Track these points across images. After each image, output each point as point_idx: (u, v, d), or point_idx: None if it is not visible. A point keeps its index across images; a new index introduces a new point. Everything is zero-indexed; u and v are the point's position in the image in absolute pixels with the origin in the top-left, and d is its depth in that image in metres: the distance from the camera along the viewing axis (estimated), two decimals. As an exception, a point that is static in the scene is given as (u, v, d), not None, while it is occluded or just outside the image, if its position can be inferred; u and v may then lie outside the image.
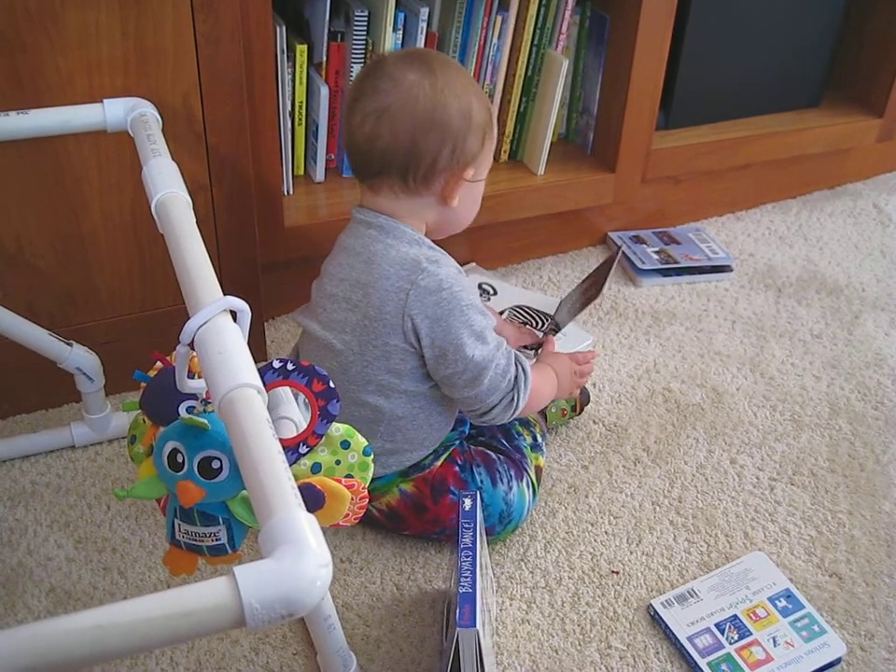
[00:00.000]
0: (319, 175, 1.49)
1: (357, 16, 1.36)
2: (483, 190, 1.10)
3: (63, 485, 1.20)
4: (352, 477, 0.76)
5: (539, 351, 1.29)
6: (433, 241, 1.07)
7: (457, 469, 1.11)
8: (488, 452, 1.14)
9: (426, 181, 1.02)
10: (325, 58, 1.40)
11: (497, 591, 1.10)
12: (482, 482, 1.11)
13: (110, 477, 1.22)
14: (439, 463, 1.11)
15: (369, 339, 1.03)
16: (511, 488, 1.12)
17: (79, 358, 1.16)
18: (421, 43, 1.40)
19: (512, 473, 1.13)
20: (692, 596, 1.08)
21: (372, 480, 1.08)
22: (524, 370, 1.06)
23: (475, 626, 0.84)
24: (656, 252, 1.69)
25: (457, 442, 1.14)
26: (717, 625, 1.05)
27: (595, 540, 1.16)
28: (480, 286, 1.58)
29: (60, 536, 1.13)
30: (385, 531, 1.15)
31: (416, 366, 1.05)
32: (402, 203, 1.04)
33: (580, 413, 1.33)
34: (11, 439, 1.24)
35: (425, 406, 1.08)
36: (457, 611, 0.85)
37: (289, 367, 0.72)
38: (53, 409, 1.31)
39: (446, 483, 1.10)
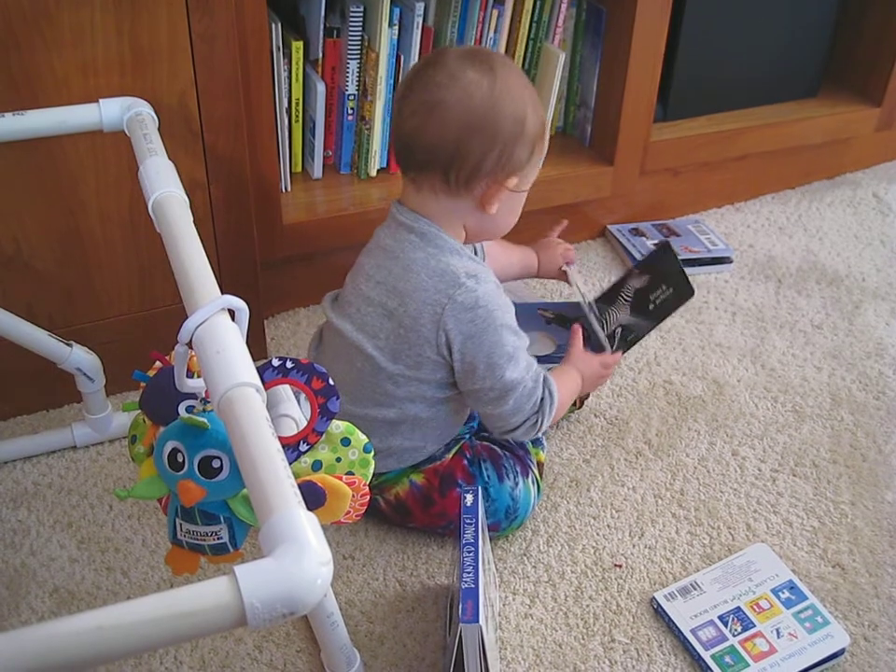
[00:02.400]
0: (317, 171, 1.49)
1: (353, 12, 1.36)
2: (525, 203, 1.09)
3: (66, 486, 1.20)
4: (353, 474, 0.76)
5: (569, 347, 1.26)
6: (474, 242, 1.08)
7: (466, 462, 1.11)
8: (494, 447, 1.14)
9: (468, 183, 1.00)
10: (321, 54, 1.40)
11: (499, 586, 1.10)
12: (488, 477, 1.11)
13: (112, 477, 1.22)
14: (450, 456, 1.12)
15: (402, 348, 1.03)
16: (517, 484, 1.12)
17: (79, 359, 1.16)
18: (417, 38, 1.40)
19: (518, 469, 1.13)
20: (695, 589, 1.08)
21: (383, 472, 1.09)
22: (550, 393, 1.06)
23: (478, 622, 0.84)
24: (655, 244, 1.68)
25: (467, 436, 1.15)
26: (720, 618, 1.05)
27: (597, 534, 1.16)
28: None
29: (62, 536, 1.14)
30: (388, 526, 1.15)
31: (445, 376, 1.05)
32: (442, 203, 1.02)
33: (580, 407, 1.33)
34: (13, 440, 1.24)
35: (445, 409, 1.09)
36: (460, 607, 0.85)
37: (288, 365, 0.72)
38: (54, 410, 1.31)
39: (455, 476, 1.10)
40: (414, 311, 1.01)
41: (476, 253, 1.14)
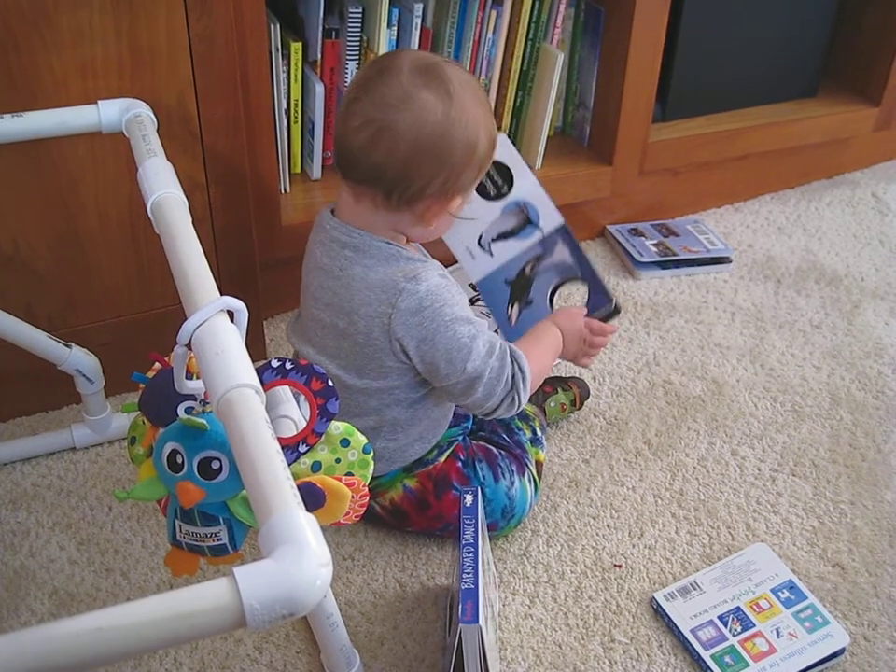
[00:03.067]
0: (316, 172, 1.49)
1: (352, 13, 1.36)
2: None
3: (65, 487, 1.20)
4: (352, 475, 0.77)
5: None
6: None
7: (460, 464, 1.11)
8: (490, 447, 1.14)
9: (410, 203, 0.97)
10: (320, 55, 1.40)
11: (499, 586, 1.10)
12: (484, 477, 1.11)
13: (111, 478, 1.22)
14: (442, 459, 1.11)
15: (363, 363, 1.03)
16: (513, 483, 1.12)
17: (79, 360, 1.16)
18: (416, 39, 1.40)
19: (514, 468, 1.13)
20: (694, 589, 1.08)
21: (376, 476, 1.08)
22: (521, 368, 1.04)
23: (478, 622, 0.84)
24: (655, 244, 1.69)
25: (460, 438, 1.14)
26: (720, 617, 1.05)
27: (597, 534, 1.16)
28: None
29: (62, 538, 1.14)
30: (387, 528, 1.15)
31: (413, 378, 1.05)
32: (380, 215, 1.00)
33: (580, 408, 1.33)
34: (12, 441, 1.24)
35: (424, 406, 1.08)
36: (460, 607, 0.85)
37: (288, 366, 0.72)
38: (53, 411, 1.31)
39: (449, 479, 1.10)
40: (364, 327, 1.00)
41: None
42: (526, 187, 1.22)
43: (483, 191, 1.23)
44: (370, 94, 0.94)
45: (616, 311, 1.20)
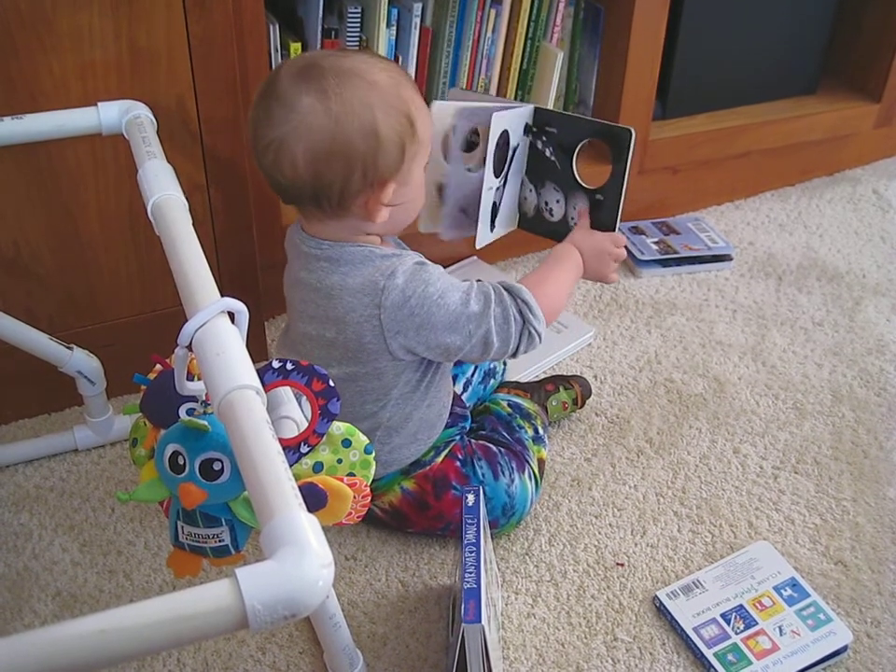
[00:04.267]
0: (316, 172, 1.49)
1: (351, 13, 1.36)
2: (423, 181, 1.02)
3: (67, 489, 1.20)
4: (354, 475, 0.77)
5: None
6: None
7: (458, 464, 1.11)
8: (489, 445, 1.14)
9: (342, 207, 0.95)
10: (319, 55, 1.40)
11: (501, 585, 1.10)
12: (483, 475, 1.11)
13: (114, 480, 1.22)
14: (440, 459, 1.11)
15: (357, 368, 1.02)
16: (512, 481, 1.12)
17: (80, 362, 1.16)
18: (415, 39, 1.40)
19: (514, 466, 1.13)
20: (697, 587, 1.08)
21: (374, 480, 1.08)
22: (523, 300, 1.01)
23: (480, 622, 0.84)
24: (655, 242, 1.68)
25: (458, 438, 1.14)
26: (723, 615, 1.05)
27: (599, 533, 1.16)
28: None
29: (65, 539, 1.14)
30: (389, 528, 1.15)
31: (409, 376, 1.04)
32: (332, 226, 0.99)
33: (581, 407, 1.33)
34: (14, 444, 1.24)
35: (417, 403, 1.07)
36: (462, 607, 0.85)
37: (289, 367, 0.72)
38: (55, 413, 1.31)
39: (448, 479, 1.10)
40: (353, 333, 0.99)
41: None
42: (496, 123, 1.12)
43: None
44: (262, 119, 0.93)
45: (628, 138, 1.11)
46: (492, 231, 1.20)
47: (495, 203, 1.18)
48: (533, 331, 1.02)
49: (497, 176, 1.15)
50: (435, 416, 1.11)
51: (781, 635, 1.03)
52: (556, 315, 1.10)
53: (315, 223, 1.00)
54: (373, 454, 0.78)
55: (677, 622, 1.04)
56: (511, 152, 1.16)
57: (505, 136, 1.13)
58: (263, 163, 0.95)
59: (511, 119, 1.13)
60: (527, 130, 1.17)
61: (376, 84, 0.93)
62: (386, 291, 0.97)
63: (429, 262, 1.01)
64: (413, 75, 1.44)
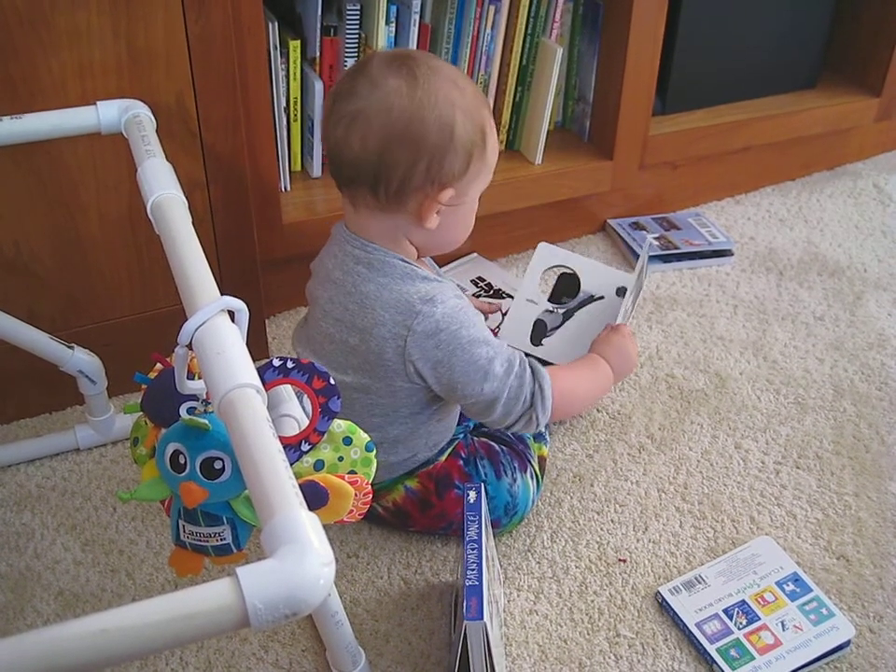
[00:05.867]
0: (316, 170, 1.49)
1: (350, 10, 1.36)
2: (476, 211, 1.04)
3: (69, 488, 1.20)
4: (355, 473, 0.77)
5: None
6: (426, 256, 1.05)
7: (461, 463, 1.11)
8: (491, 443, 1.14)
9: (398, 198, 0.95)
10: (318, 53, 1.40)
11: (504, 582, 1.10)
12: (485, 474, 1.11)
13: (115, 479, 1.22)
14: (443, 458, 1.11)
15: (371, 382, 1.01)
16: (515, 480, 1.12)
17: (81, 361, 1.16)
18: (414, 35, 1.40)
19: (516, 465, 1.13)
20: (699, 583, 1.08)
21: (376, 482, 1.08)
22: (541, 387, 1.01)
23: (482, 619, 0.84)
24: (656, 238, 1.68)
25: (461, 436, 1.14)
26: (725, 611, 1.05)
27: (601, 529, 1.16)
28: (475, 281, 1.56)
29: (67, 539, 1.14)
30: (391, 526, 1.15)
31: (422, 397, 1.04)
32: (379, 221, 0.98)
33: (584, 404, 1.33)
34: (16, 443, 1.25)
35: (426, 424, 1.07)
36: (464, 604, 0.85)
37: (289, 365, 0.72)
38: (57, 412, 1.31)
39: (451, 478, 1.10)
40: (376, 346, 0.98)
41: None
42: (592, 282, 1.30)
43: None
44: (343, 94, 0.94)
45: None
46: (533, 344, 1.29)
47: (542, 321, 1.30)
48: (535, 418, 1.03)
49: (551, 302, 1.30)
50: (444, 429, 1.11)
51: (784, 630, 1.03)
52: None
53: (362, 215, 0.98)
54: (374, 451, 0.78)
55: (679, 617, 1.04)
56: (586, 296, 1.30)
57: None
58: (333, 136, 0.95)
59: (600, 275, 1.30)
60: (620, 292, 1.29)
61: (463, 90, 0.94)
62: (420, 316, 0.96)
63: (466, 301, 1.01)
64: (412, 72, 1.44)
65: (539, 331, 1.28)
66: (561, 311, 1.28)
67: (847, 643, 1.03)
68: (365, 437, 0.77)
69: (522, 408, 1.01)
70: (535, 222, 1.66)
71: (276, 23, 1.32)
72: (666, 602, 1.06)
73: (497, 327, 1.30)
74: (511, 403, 1.01)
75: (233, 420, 0.57)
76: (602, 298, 1.29)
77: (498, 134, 1.58)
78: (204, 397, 0.73)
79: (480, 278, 1.59)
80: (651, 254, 1.64)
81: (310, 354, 1.07)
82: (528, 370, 1.02)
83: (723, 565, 1.10)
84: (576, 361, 1.15)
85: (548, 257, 1.32)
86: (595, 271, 1.31)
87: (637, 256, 1.64)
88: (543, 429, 1.21)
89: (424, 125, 0.91)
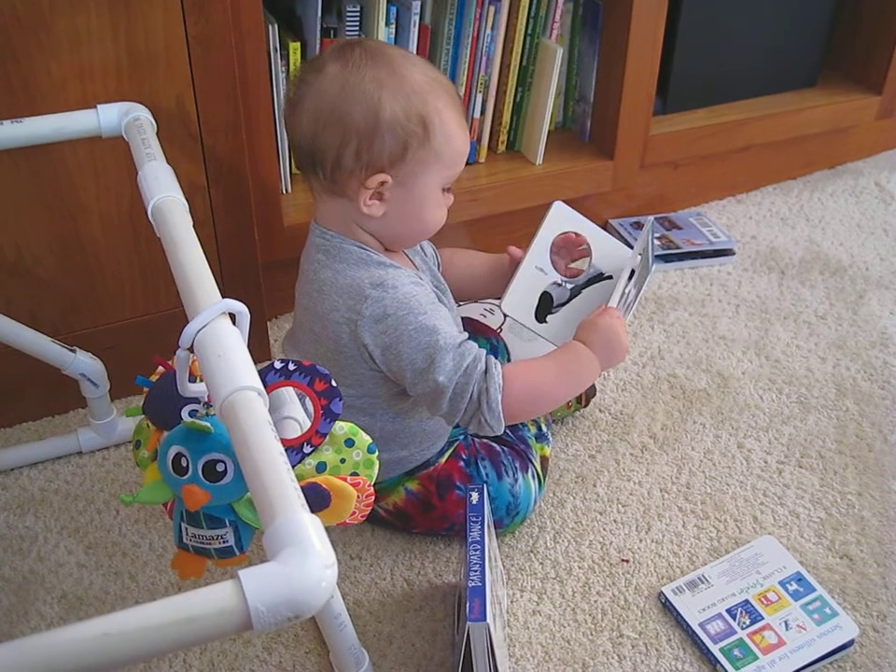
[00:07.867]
0: (317, 172, 1.49)
1: (350, 11, 1.36)
2: (437, 202, 1.00)
3: (72, 491, 1.20)
4: (357, 475, 0.76)
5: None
6: (398, 248, 1.04)
7: (462, 464, 1.11)
8: (492, 444, 1.14)
9: (334, 181, 0.96)
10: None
11: (506, 583, 1.10)
12: (487, 475, 1.10)
13: (118, 482, 1.22)
14: (443, 460, 1.11)
15: (339, 370, 1.01)
16: (516, 480, 1.12)
17: (83, 364, 1.16)
18: (414, 37, 1.39)
19: (517, 465, 1.13)
20: (702, 583, 1.08)
21: (376, 482, 1.08)
22: (487, 389, 0.96)
23: (485, 620, 0.84)
24: (657, 238, 1.68)
25: (462, 437, 1.14)
26: (728, 611, 1.05)
27: (604, 529, 1.16)
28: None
29: (70, 542, 1.14)
30: (393, 528, 1.15)
31: (391, 388, 1.03)
32: (330, 207, 0.99)
33: (586, 406, 1.32)
34: (18, 447, 1.25)
35: (414, 418, 1.07)
36: (467, 605, 0.85)
37: (290, 367, 0.72)
38: (59, 415, 1.31)
39: (452, 479, 1.10)
40: (333, 332, 0.99)
41: (432, 256, 1.13)
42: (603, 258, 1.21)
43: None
44: (297, 81, 0.98)
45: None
46: (538, 320, 1.19)
47: (549, 295, 1.19)
48: (483, 420, 0.97)
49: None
50: (439, 426, 1.10)
51: (787, 629, 1.03)
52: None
53: (319, 202, 1.01)
54: (377, 453, 0.78)
55: (682, 617, 1.04)
56: (595, 272, 1.21)
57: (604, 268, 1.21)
58: (286, 122, 1.00)
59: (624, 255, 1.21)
60: (631, 276, 1.20)
61: (402, 77, 0.94)
62: (370, 300, 0.96)
63: (425, 289, 0.99)
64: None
65: (545, 306, 1.20)
66: (569, 286, 1.19)
67: (851, 642, 1.02)
68: (367, 439, 0.77)
69: (468, 406, 0.97)
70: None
71: (276, 25, 1.32)
72: (670, 602, 1.06)
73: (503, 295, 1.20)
74: (457, 400, 0.96)
75: (235, 423, 0.57)
76: (611, 278, 1.21)
77: (499, 136, 1.58)
78: (206, 399, 0.73)
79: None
80: (655, 254, 1.64)
81: (292, 349, 1.08)
82: (480, 368, 0.96)
83: (726, 564, 1.10)
84: (550, 353, 1.07)
85: (562, 219, 1.22)
86: (608, 245, 1.23)
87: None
88: (545, 430, 1.21)
89: (348, 107, 0.93)
